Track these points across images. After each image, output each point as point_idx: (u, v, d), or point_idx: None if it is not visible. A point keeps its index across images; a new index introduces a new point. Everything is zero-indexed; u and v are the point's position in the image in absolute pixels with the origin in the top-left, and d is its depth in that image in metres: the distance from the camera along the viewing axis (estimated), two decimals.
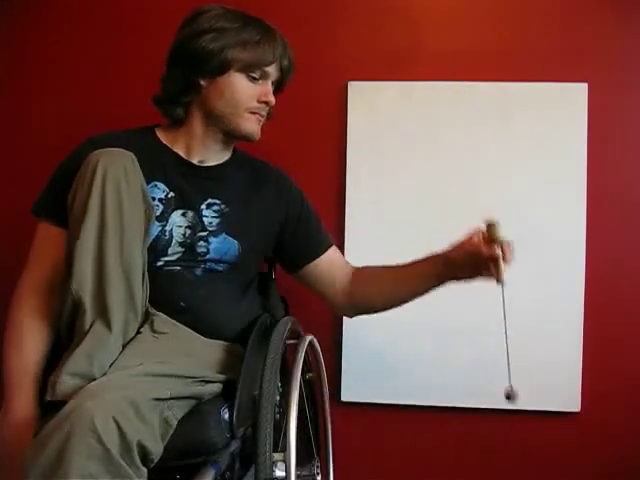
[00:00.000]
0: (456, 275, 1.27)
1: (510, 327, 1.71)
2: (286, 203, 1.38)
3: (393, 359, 1.74)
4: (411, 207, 1.76)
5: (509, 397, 1.13)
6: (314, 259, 1.39)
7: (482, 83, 1.74)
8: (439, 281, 1.30)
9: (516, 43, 1.75)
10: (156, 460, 0.92)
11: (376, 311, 1.42)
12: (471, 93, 1.75)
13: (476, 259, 1.18)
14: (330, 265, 1.41)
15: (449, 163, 1.74)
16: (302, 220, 1.40)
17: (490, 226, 1.15)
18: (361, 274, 1.41)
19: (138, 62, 1.80)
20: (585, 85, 1.72)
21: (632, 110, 1.74)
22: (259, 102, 1.28)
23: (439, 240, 1.73)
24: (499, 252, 1.14)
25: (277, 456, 1.00)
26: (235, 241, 1.28)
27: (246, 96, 1.26)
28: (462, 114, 1.75)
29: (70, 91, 1.84)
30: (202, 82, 1.25)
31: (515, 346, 1.69)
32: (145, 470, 0.90)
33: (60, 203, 1.10)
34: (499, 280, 1.15)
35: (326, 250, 1.41)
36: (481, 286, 1.71)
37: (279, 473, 0.99)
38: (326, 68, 1.79)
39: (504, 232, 1.16)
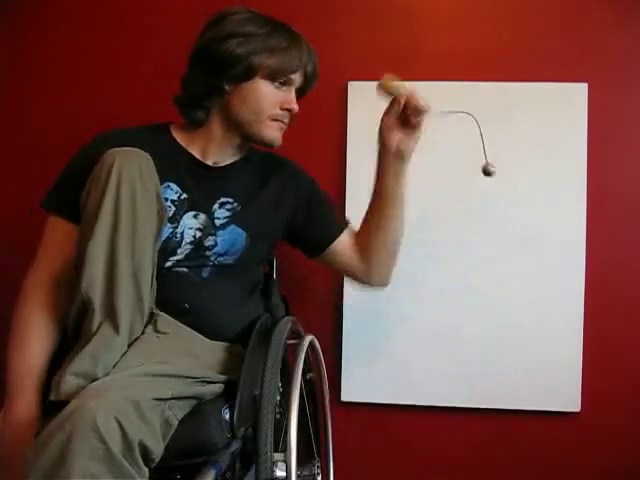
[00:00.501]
0: (403, 150, 1.27)
1: (510, 327, 1.72)
2: (295, 189, 1.37)
3: (393, 359, 1.75)
4: (410, 207, 1.75)
5: (486, 172, 1.17)
6: (332, 242, 1.39)
7: (482, 83, 1.74)
8: (398, 170, 1.30)
9: (516, 43, 1.76)
10: (157, 460, 0.92)
11: (389, 253, 1.38)
12: (471, 93, 1.75)
13: (398, 123, 1.24)
14: (347, 244, 1.40)
15: (449, 163, 1.74)
16: (314, 204, 1.39)
17: (381, 86, 1.22)
18: (358, 235, 1.40)
19: (138, 62, 1.80)
20: (585, 85, 1.72)
21: (632, 110, 1.74)
22: (282, 109, 1.27)
23: (439, 240, 1.75)
24: (402, 100, 1.20)
25: (278, 456, 1.00)
26: (242, 231, 1.27)
27: (270, 103, 1.25)
28: (462, 114, 1.74)
29: (70, 91, 1.84)
30: (226, 87, 1.24)
31: (515, 346, 1.71)
32: (147, 470, 0.90)
33: (71, 199, 1.10)
34: (424, 108, 1.20)
35: (340, 233, 1.40)
36: (481, 287, 1.72)
37: (279, 473, 0.99)
38: (326, 68, 1.78)
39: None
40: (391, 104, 1.24)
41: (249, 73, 1.22)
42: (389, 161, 1.29)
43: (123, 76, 1.82)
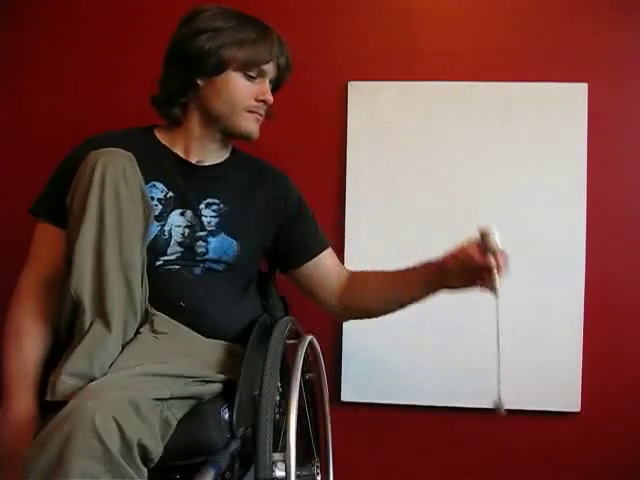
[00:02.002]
0: (449, 284, 1.26)
1: (510, 327, 1.70)
2: (285, 203, 1.38)
3: (393, 359, 1.74)
4: (411, 207, 1.76)
5: (497, 408, 1.13)
6: (309, 260, 1.40)
7: (482, 83, 1.74)
8: (432, 289, 1.29)
9: (516, 43, 1.75)
10: (156, 460, 0.92)
11: (368, 317, 1.42)
12: (471, 93, 1.75)
13: (470, 268, 1.18)
14: (323, 267, 1.41)
15: (449, 163, 1.74)
16: (300, 220, 1.40)
17: (484, 235, 1.14)
18: (355, 278, 1.41)
19: (137, 62, 1.80)
20: (585, 85, 1.72)
21: (632, 110, 1.74)
22: (257, 101, 1.28)
23: (439, 240, 1.73)
24: (493, 262, 1.13)
25: (277, 456, 1.00)
26: (234, 241, 1.28)
27: (244, 95, 1.26)
28: (462, 114, 1.75)
29: (69, 91, 1.84)
30: (199, 82, 1.25)
31: (515, 346, 1.71)
32: (145, 470, 0.90)
33: (59, 203, 1.10)
34: (493, 290, 1.14)
35: (322, 251, 1.41)
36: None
37: (279, 473, 0.99)
38: (326, 68, 1.79)
39: (500, 239, 1.14)
40: (486, 249, 1.15)
41: (220, 66, 1.23)
42: (433, 275, 1.27)
43: (122, 76, 1.82)
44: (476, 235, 1.16)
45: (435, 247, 1.73)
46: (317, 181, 1.76)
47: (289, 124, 1.73)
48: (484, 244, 1.14)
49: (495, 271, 1.13)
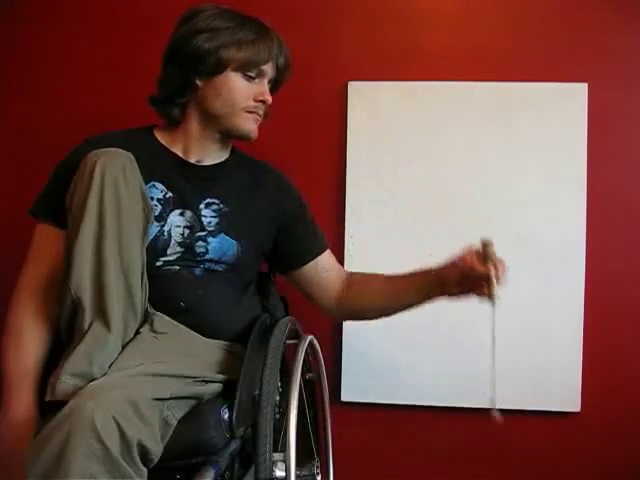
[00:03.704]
0: (448, 292, 1.26)
1: (511, 327, 1.72)
2: (284, 204, 1.38)
3: (393, 359, 1.74)
4: (411, 207, 1.76)
5: (493, 412, 1.14)
6: (308, 261, 1.39)
7: (482, 83, 1.74)
8: (430, 296, 1.29)
9: (516, 43, 1.75)
10: (156, 460, 0.92)
11: (364, 319, 1.43)
12: (471, 93, 1.75)
13: (469, 277, 1.18)
14: (323, 268, 1.41)
15: (449, 163, 1.74)
16: (299, 222, 1.40)
17: (485, 245, 1.15)
18: (353, 281, 1.41)
19: (137, 62, 1.80)
20: (585, 85, 1.71)
21: (632, 110, 1.74)
22: (256, 101, 1.28)
23: (439, 240, 1.74)
24: (493, 271, 1.13)
25: (277, 456, 1.00)
26: (234, 241, 1.28)
27: (242, 95, 1.26)
28: (462, 114, 1.75)
29: (69, 91, 1.84)
30: (198, 82, 1.25)
31: (515, 346, 1.71)
32: (145, 470, 0.90)
33: (58, 204, 1.10)
34: (491, 299, 1.14)
35: (321, 253, 1.41)
36: None
37: (279, 473, 0.99)
38: (326, 68, 1.79)
39: (499, 248, 1.15)
40: (485, 258, 1.16)
41: (219, 67, 1.23)
42: (432, 282, 1.27)
43: (122, 76, 1.82)
44: (476, 243, 1.16)
45: (435, 247, 1.73)
46: (317, 181, 1.76)
47: (289, 124, 1.73)
48: (485, 254, 1.15)
49: (494, 280, 1.13)
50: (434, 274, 1.27)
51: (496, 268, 1.14)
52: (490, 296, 1.14)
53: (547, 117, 1.72)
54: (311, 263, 1.40)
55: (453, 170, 1.74)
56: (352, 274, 1.43)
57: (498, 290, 1.14)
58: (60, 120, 1.82)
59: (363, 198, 1.77)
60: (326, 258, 1.42)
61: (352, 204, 1.76)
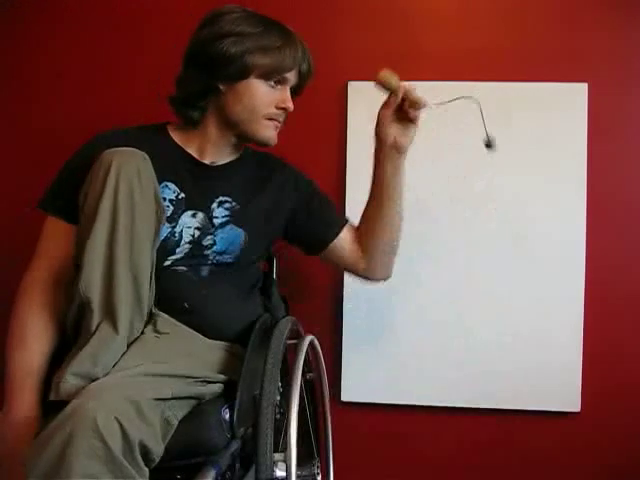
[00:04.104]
0: (400, 144, 1.29)
1: (511, 327, 1.72)
2: (294, 189, 1.38)
3: (393, 359, 1.74)
4: (410, 207, 1.75)
5: (488, 145, 1.22)
6: (332, 240, 1.39)
7: (482, 83, 1.74)
8: (395, 164, 1.32)
9: (516, 43, 1.76)
10: (157, 460, 0.92)
11: (389, 247, 1.39)
12: (471, 93, 1.74)
13: (395, 117, 1.26)
14: (347, 241, 1.40)
15: (449, 163, 1.74)
16: (314, 203, 1.40)
17: (381, 79, 1.23)
18: (357, 230, 1.41)
19: (139, 61, 1.80)
20: (585, 85, 1.72)
21: (632, 110, 1.74)
22: (277, 108, 1.27)
23: (439, 239, 1.74)
24: (400, 93, 1.23)
25: (277, 456, 1.00)
26: (241, 230, 1.27)
27: (264, 103, 1.25)
28: (462, 114, 1.74)
29: (70, 90, 1.84)
30: (221, 86, 1.24)
31: (515, 346, 1.71)
32: (147, 470, 0.90)
33: (69, 199, 1.10)
34: (422, 104, 1.23)
35: (342, 229, 1.40)
36: (481, 286, 1.72)
37: (279, 473, 0.99)
38: (326, 68, 1.78)
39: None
40: (389, 97, 1.26)
41: (243, 73, 1.22)
42: (386, 155, 1.31)
43: (124, 75, 1.82)
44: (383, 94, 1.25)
45: (435, 246, 1.74)
46: (317, 181, 1.75)
47: (289, 124, 1.71)
48: (385, 87, 1.24)
49: (411, 94, 1.23)
50: (376, 146, 1.32)
51: (400, 89, 1.23)
52: (420, 104, 1.23)
53: (547, 117, 1.72)
54: (330, 245, 1.39)
55: (453, 170, 1.74)
56: (355, 228, 1.43)
57: (419, 96, 1.23)
58: (61, 119, 1.82)
59: (363, 198, 1.76)
60: (344, 236, 1.40)
61: (352, 204, 1.76)
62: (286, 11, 1.75)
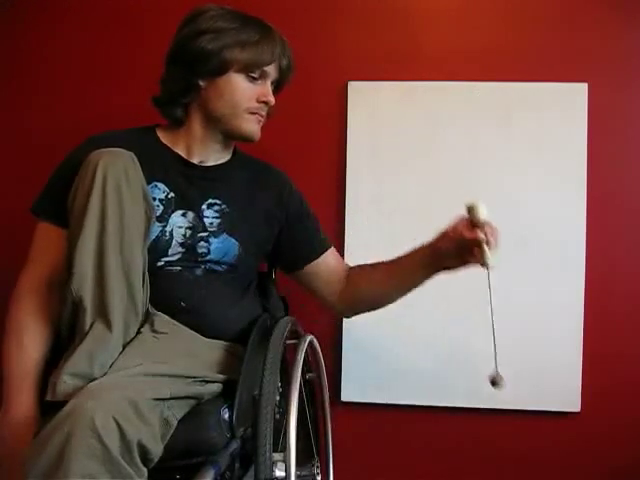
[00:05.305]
0: (444, 264, 1.25)
1: (511, 327, 1.72)
2: (286, 204, 1.38)
3: (393, 359, 1.74)
4: (411, 207, 1.76)
5: (494, 383, 1.13)
6: (312, 260, 1.40)
7: (482, 83, 1.74)
8: (428, 272, 1.29)
9: (516, 43, 1.75)
10: (156, 460, 0.92)
11: (371, 308, 1.41)
12: (471, 93, 1.75)
13: (460, 245, 1.17)
14: (327, 267, 1.40)
15: (449, 163, 1.74)
16: (301, 222, 1.40)
17: (471, 209, 1.13)
18: (354, 273, 1.41)
19: (137, 62, 1.80)
20: (585, 85, 1.72)
21: (632, 110, 1.74)
22: (258, 102, 1.28)
23: None
24: (482, 235, 1.12)
25: (277, 456, 1.00)
26: (235, 242, 1.28)
27: (245, 97, 1.26)
28: (462, 114, 1.75)
29: (69, 91, 1.84)
30: (201, 83, 1.25)
31: (515, 346, 1.71)
32: (145, 470, 0.90)
33: (60, 203, 1.10)
34: (484, 264, 1.12)
35: (324, 252, 1.41)
36: (481, 287, 1.72)
37: (279, 473, 0.99)
38: (326, 68, 1.79)
39: (487, 213, 1.12)
40: (474, 224, 1.14)
41: (222, 68, 1.23)
42: (431, 264, 1.27)
43: (122, 76, 1.82)
44: (463, 211, 1.15)
45: None
46: (317, 181, 1.76)
47: (289, 124, 1.73)
48: (471, 218, 1.14)
49: (484, 245, 1.11)
50: (429, 248, 1.27)
51: (484, 231, 1.12)
52: (482, 262, 1.12)
53: (547, 117, 1.72)
54: (314, 262, 1.40)
55: (453, 170, 1.74)
56: (353, 267, 1.42)
57: (490, 255, 1.11)
58: (60, 120, 1.82)
59: (363, 198, 1.77)
60: (327, 258, 1.41)
61: (352, 204, 1.76)
62: (286, 11, 1.77)
